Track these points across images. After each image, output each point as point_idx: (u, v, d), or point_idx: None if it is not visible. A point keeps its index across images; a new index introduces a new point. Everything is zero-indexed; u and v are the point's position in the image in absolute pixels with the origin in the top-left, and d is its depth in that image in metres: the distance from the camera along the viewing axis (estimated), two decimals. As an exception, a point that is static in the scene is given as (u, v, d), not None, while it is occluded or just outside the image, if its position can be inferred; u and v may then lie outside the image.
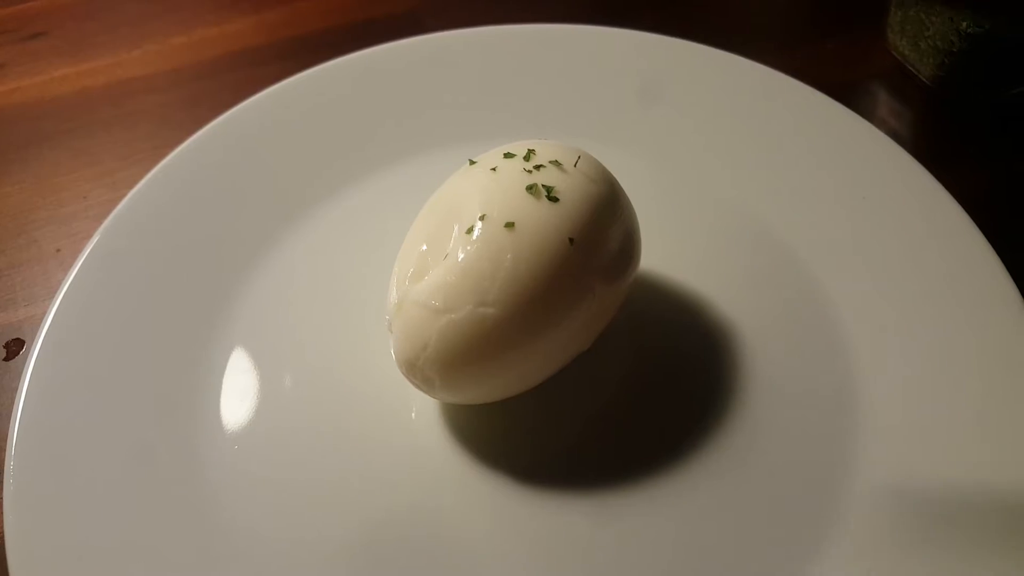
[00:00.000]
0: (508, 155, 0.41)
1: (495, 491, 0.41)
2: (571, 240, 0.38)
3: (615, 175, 0.43)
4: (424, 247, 0.39)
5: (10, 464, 0.40)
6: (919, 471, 0.40)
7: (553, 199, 0.38)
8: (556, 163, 0.40)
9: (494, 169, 0.40)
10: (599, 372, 0.45)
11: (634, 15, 0.67)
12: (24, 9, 0.72)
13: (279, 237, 0.51)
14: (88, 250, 0.48)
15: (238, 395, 0.44)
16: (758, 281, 0.48)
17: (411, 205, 0.43)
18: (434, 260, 0.39)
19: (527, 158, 0.40)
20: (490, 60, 0.59)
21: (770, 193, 0.52)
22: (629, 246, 0.42)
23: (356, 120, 0.57)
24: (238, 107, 0.56)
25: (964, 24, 0.54)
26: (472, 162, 0.42)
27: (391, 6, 0.70)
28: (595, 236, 0.39)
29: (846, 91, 0.57)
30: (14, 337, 0.50)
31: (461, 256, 0.37)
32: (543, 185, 0.39)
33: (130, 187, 0.52)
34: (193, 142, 0.54)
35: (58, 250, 0.55)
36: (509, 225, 0.37)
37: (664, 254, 0.49)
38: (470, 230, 0.38)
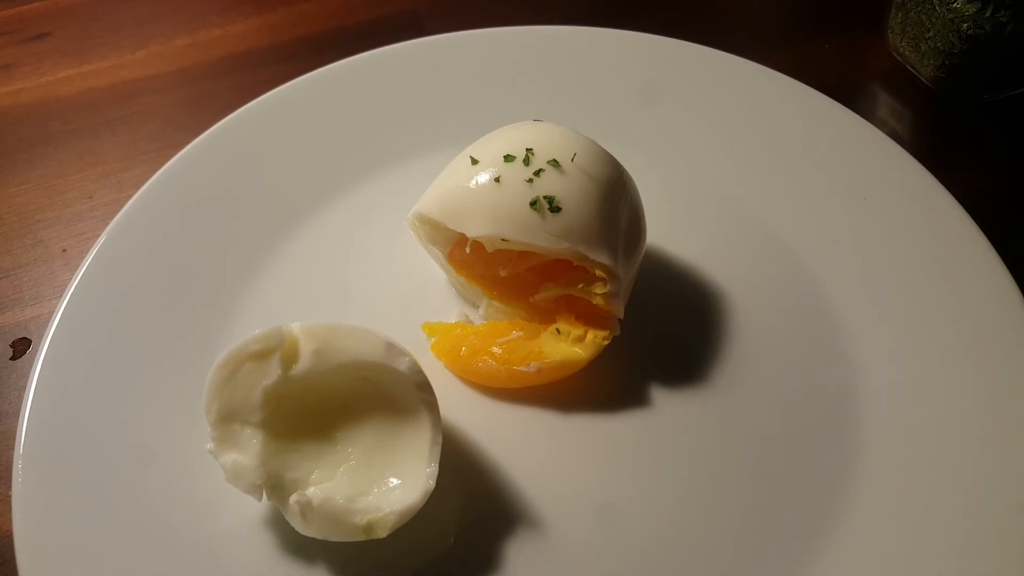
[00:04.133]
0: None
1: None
2: None
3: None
4: None
5: (18, 463, 0.41)
6: (919, 469, 0.41)
7: None
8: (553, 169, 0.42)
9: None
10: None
11: (635, 16, 0.68)
12: (27, 10, 0.72)
13: (284, 238, 0.51)
14: (95, 250, 0.49)
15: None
16: (761, 281, 0.48)
17: (416, 203, 0.44)
18: None
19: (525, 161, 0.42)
20: (494, 61, 0.59)
21: (772, 194, 0.52)
22: None
23: (361, 121, 0.57)
24: (243, 108, 0.56)
25: (964, 26, 0.55)
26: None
27: (393, 7, 0.71)
28: None
29: (847, 92, 0.58)
30: (20, 336, 0.51)
31: None
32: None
33: (134, 187, 0.53)
34: (198, 143, 0.54)
35: (64, 250, 0.55)
36: None
37: (666, 257, 0.50)
38: None
